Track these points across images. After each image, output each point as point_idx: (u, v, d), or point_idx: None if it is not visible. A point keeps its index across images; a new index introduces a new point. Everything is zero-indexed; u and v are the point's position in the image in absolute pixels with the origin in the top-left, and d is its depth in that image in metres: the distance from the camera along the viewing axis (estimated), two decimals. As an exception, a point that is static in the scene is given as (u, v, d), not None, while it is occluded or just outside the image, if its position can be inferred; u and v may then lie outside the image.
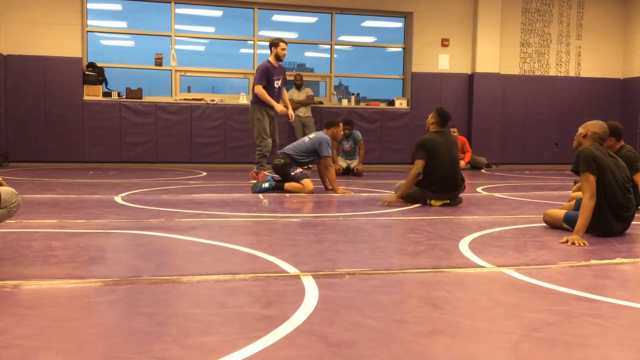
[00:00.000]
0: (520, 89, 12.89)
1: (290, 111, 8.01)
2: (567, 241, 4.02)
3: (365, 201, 6.46)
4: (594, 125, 4.39)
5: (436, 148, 5.95)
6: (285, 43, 7.88)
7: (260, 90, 7.77)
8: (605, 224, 4.26)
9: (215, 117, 11.54)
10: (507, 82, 12.78)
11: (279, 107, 7.79)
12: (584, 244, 3.97)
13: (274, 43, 7.88)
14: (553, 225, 4.64)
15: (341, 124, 7.65)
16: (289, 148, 7.24)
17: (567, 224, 4.45)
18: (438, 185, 5.94)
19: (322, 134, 7.23)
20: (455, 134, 11.98)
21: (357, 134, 10.29)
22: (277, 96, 8.01)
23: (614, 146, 5.37)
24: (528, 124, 12.98)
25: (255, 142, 8.06)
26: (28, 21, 10.72)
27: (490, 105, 12.61)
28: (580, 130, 4.46)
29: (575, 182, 7.04)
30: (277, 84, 7.96)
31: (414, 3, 12.38)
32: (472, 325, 2.36)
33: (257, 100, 7.88)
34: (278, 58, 7.90)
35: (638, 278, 3.24)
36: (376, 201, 6.44)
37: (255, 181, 7.30)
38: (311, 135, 7.33)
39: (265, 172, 7.83)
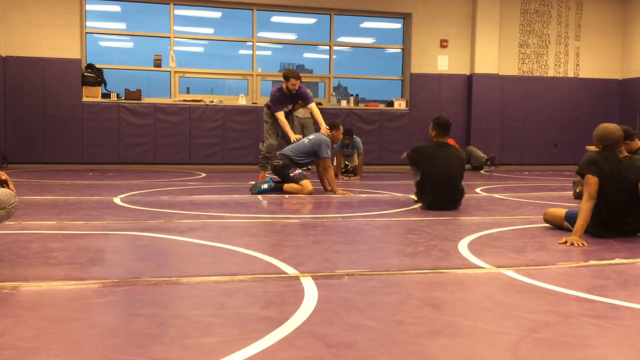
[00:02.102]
0: (519, 90, 12.90)
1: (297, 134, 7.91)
2: (565, 242, 4.03)
3: (364, 202, 6.46)
4: (604, 138, 4.24)
5: (430, 159, 5.66)
6: (297, 79, 7.67)
7: (282, 122, 7.73)
8: (597, 229, 4.26)
9: (215, 118, 11.54)
10: (506, 83, 12.79)
11: (292, 136, 7.64)
12: (582, 244, 3.97)
13: (285, 76, 7.74)
14: (554, 224, 4.64)
15: (341, 127, 7.66)
16: (288, 149, 7.25)
17: (568, 222, 4.44)
18: (432, 198, 5.67)
19: (321, 135, 7.24)
20: None
21: (359, 143, 9.98)
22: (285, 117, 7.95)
23: (632, 147, 5.35)
24: (527, 124, 12.99)
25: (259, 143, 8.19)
26: (27, 23, 10.72)
27: (489, 106, 12.62)
28: (595, 142, 4.34)
29: (574, 183, 7.05)
30: (285, 109, 7.88)
31: (413, 4, 12.39)
32: (472, 326, 2.36)
33: (268, 106, 7.91)
34: (289, 89, 7.76)
35: (637, 278, 3.24)
36: (375, 202, 6.45)
37: (254, 182, 7.30)
38: (310, 137, 7.33)
39: (265, 173, 7.86)
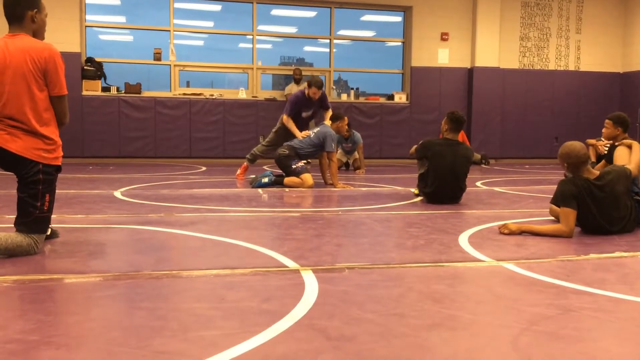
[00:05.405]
0: (519, 83, 12.88)
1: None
2: (505, 227, 4.13)
3: (364, 196, 6.46)
4: (568, 156, 4.11)
5: (436, 157, 5.63)
6: (319, 89, 7.51)
7: (286, 120, 7.59)
8: (590, 230, 4.25)
9: (215, 112, 11.53)
10: (507, 76, 12.77)
11: (299, 135, 7.43)
12: (511, 233, 4.10)
13: (308, 83, 7.60)
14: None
15: (346, 118, 7.65)
16: (295, 141, 7.26)
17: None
18: (432, 191, 5.68)
19: (327, 128, 7.23)
20: None
21: (358, 137, 9.93)
22: (302, 124, 7.80)
23: (619, 137, 5.36)
24: (527, 118, 12.97)
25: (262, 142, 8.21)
26: (26, 16, 10.66)
27: (489, 100, 12.60)
28: (560, 161, 4.22)
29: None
30: (305, 114, 7.78)
31: (413, -3, 12.36)
32: (472, 319, 2.36)
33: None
34: (309, 96, 7.60)
35: (637, 272, 3.24)
36: (375, 196, 6.45)
37: (254, 176, 7.31)
38: (315, 130, 7.32)
39: (245, 164, 8.08)
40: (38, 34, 3.44)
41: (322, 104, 7.81)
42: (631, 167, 4.38)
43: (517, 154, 12.98)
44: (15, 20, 3.35)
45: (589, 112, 12.91)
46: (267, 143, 8.02)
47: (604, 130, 5.50)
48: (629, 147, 4.75)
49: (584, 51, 13.20)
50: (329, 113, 7.77)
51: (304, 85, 7.85)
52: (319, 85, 7.56)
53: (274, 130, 8.02)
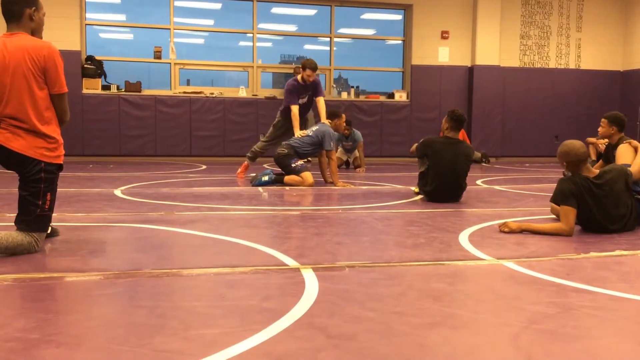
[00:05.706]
0: (520, 82, 12.87)
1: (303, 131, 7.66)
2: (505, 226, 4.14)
3: (365, 194, 6.46)
4: (567, 155, 4.11)
5: (438, 154, 5.61)
6: (313, 71, 7.52)
7: (294, 113, 7.54)
8: (588, 229, 4.24)
9: (215, 111, 11.53)
10: (507, 75, 12.76)
11: (297, 133, 7.42)
12: (511, 231, 4.11)
13: (302, 65, 7.59)
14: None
15: (344, 116, 7.64)
16: (294, 139, 7.26)
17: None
18: (433, 189, 5.67)
19: (325, 127, 7.22)
20: None
21: (358, 135, 9.93)
22: (301, 111, 7.76)
23: (614, 137, 5.37)
24: (528, 116, 12.97)
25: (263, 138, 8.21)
26: (26, 14, 10.65)
27: (490, 98, 12.59)
28: (559, 160, 4.22)
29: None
30: (301, 100, 7.74)
31: (414, -5, 12.34)
32: (472, 318, 2.36)
33: (286, 114, 7.74)
34: (304, 79, 7.62)
35: (637, 270, 3.24)
36: (376, 194, 6.45)
37: (254, 174, 7.31)
38: (314, 128, 7.32)
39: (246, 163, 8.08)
40: (36, 32, 3.43)
41: (315, 88, 7.76)
42: (633, 170, 4.37)
43: (517, 152, 12.98)
44: (14, 18, 3.34)
45: (589, 111, 12.90)
46: (267, 139, 8.03)
47: (599, 129, 5.51)
48: (635, 148, 4.73)
49: (585, 49, 13.18)
50: (322, 102, 7.71)
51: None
52: (313, 67, 7.54)
53: (273, 124, 8.03)
